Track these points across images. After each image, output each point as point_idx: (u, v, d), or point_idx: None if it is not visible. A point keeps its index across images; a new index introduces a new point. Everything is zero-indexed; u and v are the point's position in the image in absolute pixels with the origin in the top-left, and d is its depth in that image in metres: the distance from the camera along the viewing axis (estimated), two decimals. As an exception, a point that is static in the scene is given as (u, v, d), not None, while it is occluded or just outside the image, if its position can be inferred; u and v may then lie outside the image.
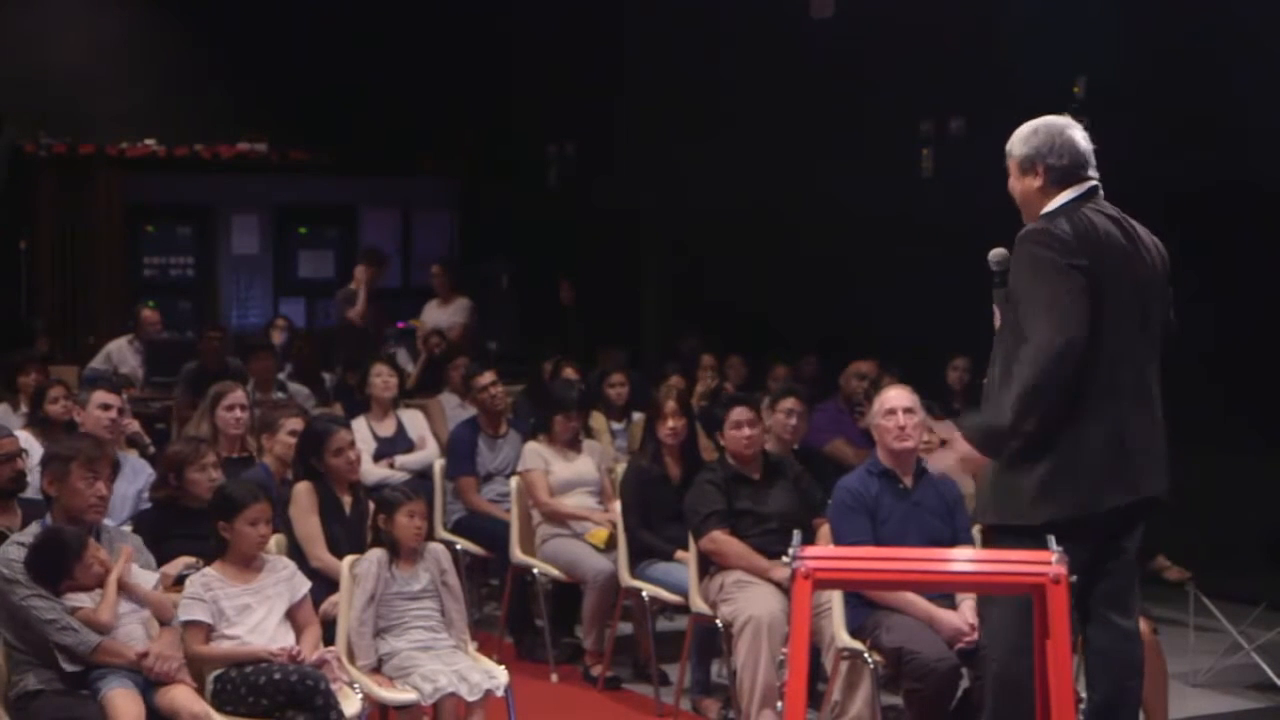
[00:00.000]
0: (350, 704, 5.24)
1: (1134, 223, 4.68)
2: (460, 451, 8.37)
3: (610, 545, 7.42)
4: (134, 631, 5.10)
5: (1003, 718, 4.60)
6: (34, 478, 5.85)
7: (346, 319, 12.46)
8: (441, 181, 15.78)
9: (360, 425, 8.35)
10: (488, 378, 8.57)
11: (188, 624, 5.25)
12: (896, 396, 6.01)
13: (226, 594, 5.34)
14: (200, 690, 5.13)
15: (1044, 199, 4.63)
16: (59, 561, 5.04)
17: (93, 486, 5.23)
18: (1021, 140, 4.69)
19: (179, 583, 5.53)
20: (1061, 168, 4.62)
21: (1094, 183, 4.66)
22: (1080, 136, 4.67)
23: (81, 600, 5.05)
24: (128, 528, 5.93)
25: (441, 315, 12.71)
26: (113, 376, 10.11)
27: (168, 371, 11.01)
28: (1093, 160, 4.67)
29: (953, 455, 4.63)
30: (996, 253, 4.64)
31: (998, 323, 4.64)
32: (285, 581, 5.47)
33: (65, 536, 5.09)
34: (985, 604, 4.94)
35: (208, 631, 5.28)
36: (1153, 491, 4.63)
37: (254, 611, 5.36)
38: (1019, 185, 4.70)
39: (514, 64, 14.49)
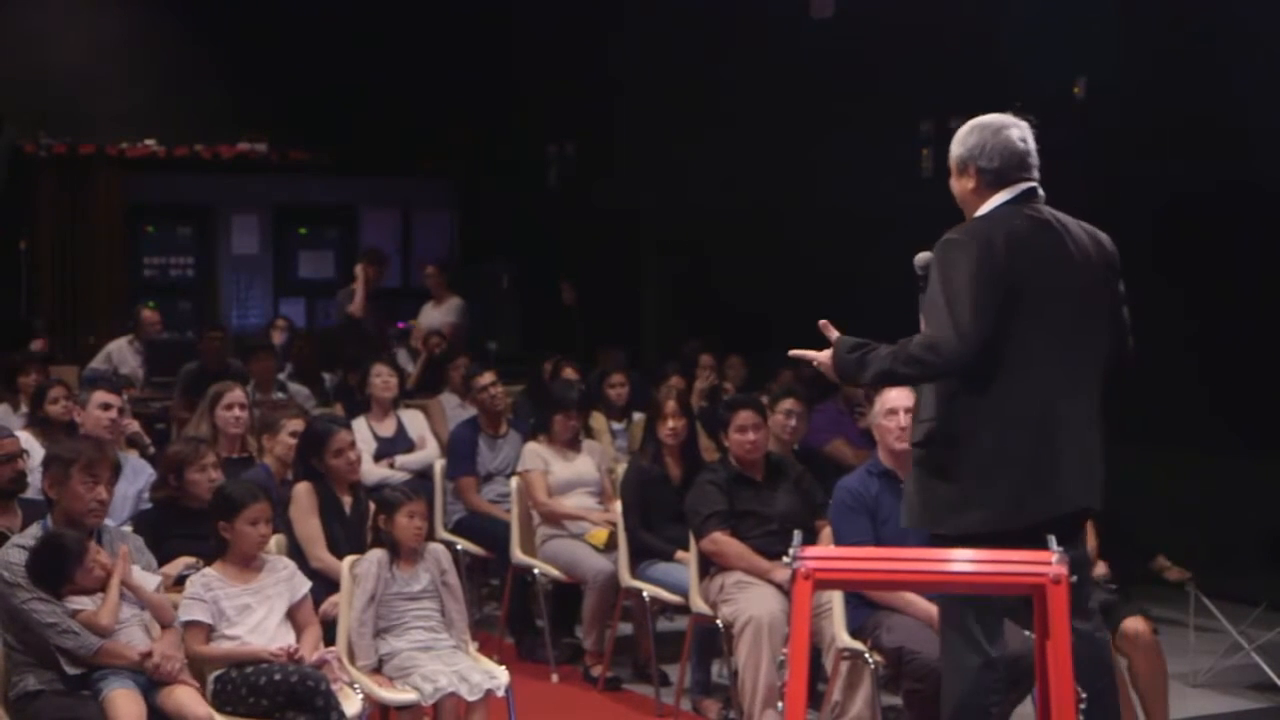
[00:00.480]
0: (351, 704, 5.24)
1: (1070, 224, 4.54)
2: (460, 451, 8.37)
3: (610, 546, 7.42)
4: (134, 635, 5.09)
5: None
6: (35, 478, 5.85)
7: (348, 314, 12.49)
8: (441, 181, 15.77)
9: (360, 425, 8.35)
10: (488, 378, 8.58)
11: (188, 624, 5.26)
12: (898, 396, 5.96)
13: (227, 594, 5.34)
14: (201, 691, 5.13)
15: (978, 200, 4.55)
16: (60, 567, 5.03)
17: (93, 490, 5.21)
18: (959, 140, 4.60)
19: (179, 583, 5.54)
20: (993, 170, 4.51)
21: (1030, 185, 4.53)
22: (1018, 137, 4.54)
23: (83, 603, 5.04)
24: (128, 528, 5.92)
25: (436, 315, 12.74)
26: (113, 376, 10.12)
27: (168, 372, 11.01)
28: (1032, 160, 4.54)
29: (825, 355, 4.57)
30: (921, 256, 4.54)
31: (923, 326, 4.52)
32: (285, 581, 5.47)
33: (66, 541, 5.07)
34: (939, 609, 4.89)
35: (208, 632, 5.29)
36: (1083, 504, 4.51)
37: (254, 611, 5.36)
38: (956, 185, 4.62)
39: (514, 64, 14.49)
